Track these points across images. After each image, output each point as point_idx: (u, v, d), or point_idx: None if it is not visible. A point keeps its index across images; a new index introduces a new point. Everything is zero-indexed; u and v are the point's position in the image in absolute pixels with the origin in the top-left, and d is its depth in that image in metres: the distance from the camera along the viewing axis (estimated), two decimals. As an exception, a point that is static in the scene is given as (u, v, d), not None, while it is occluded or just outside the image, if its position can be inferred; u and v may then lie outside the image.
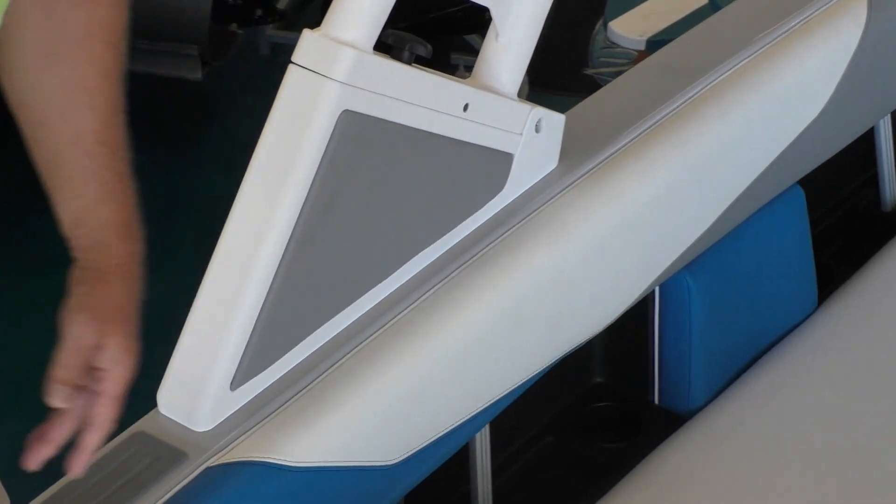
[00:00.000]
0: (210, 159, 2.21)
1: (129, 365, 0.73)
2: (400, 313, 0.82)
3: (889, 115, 1.42)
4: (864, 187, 1.51)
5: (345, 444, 0.78)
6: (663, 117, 1.02)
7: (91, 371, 0.72)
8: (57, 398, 0.71)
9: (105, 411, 0.73)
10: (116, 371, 0.72)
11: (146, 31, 1.94)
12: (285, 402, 0.76)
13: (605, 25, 1.65)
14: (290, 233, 0.71)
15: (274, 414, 0.74)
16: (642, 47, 1.51)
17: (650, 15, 1.62)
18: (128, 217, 0.75)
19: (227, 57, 2.12)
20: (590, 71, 1.70)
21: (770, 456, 1.07)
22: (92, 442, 0.71)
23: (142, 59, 1.88)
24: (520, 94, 1.00)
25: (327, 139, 0.70)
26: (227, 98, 2.40)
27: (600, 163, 0.97)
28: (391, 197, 0.82)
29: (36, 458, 0.70)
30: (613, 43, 1.61)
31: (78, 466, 0.70)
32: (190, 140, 2.24)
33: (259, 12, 2.10)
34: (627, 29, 1.61)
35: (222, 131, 2.29)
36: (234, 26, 2.11)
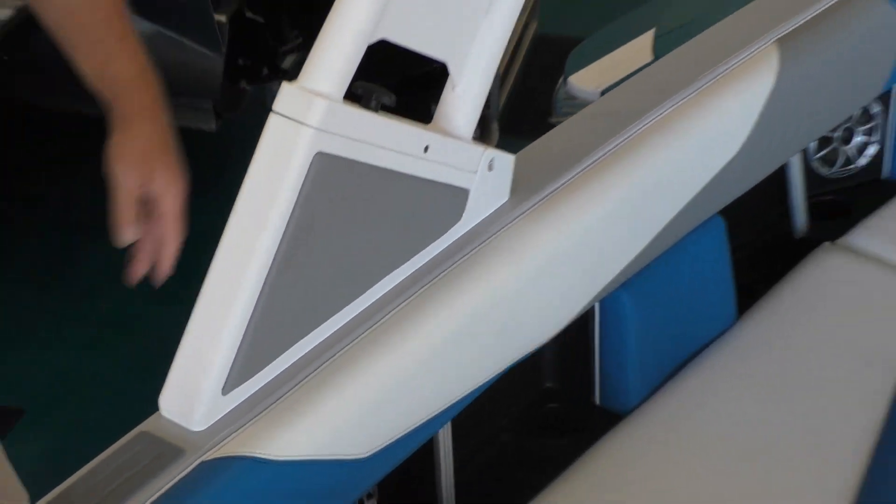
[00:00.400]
0: (225, 200, 2.42)
1: (181, 184, 0.82)
2: (371, 327, 0.89)
3: (799, 153, 1.56)
4: (780, 216, 1.63)
5: (322, 440, 0.84)
6: (602, 156, 1.11)
7: (149, 205, 0.81)
8: (127, 235, 0.80)
9: (172, 228, 0.82)
10: (170, 193, 0.81)
11: (167, 87, 2.13)
12: (270, 405, 0.82)
13: (565, 80, 1.76)
14: (272, 257, 0.77)
15: (260, 415, 0.80)
16: (597, 98, 1.58)
17: (604, 70, 1.72)
18: (142, 67, 0.83)
19: (238, 110, 2.27)
20: (553, 119, 1.77)
21: (693, 448, 1.20)
22: (168, 256, 0.83)
23: (163, 112, 2.08)
24: (489, 140, 1.13)
25: (303, 177, 0.77)
26: (239, 146, 2.59)
27: (546, 196, 1.06)
28: (361, 227, 0.88)
29: (134, 275, 0.82)
30: (573, 95, 1.70)
31: (162, 275, 0.82)
32: (206, 183, 2.42)
33: (266, 71, 2.24)
34: (584, 82, 1.72)
35: (234, 175, 2.51)
36: (243, 83, 2.24)
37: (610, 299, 1.23)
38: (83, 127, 1.80)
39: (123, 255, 0.86)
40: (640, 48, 1.77)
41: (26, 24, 1.86)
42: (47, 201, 2.47)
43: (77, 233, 2.26)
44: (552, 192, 1.08)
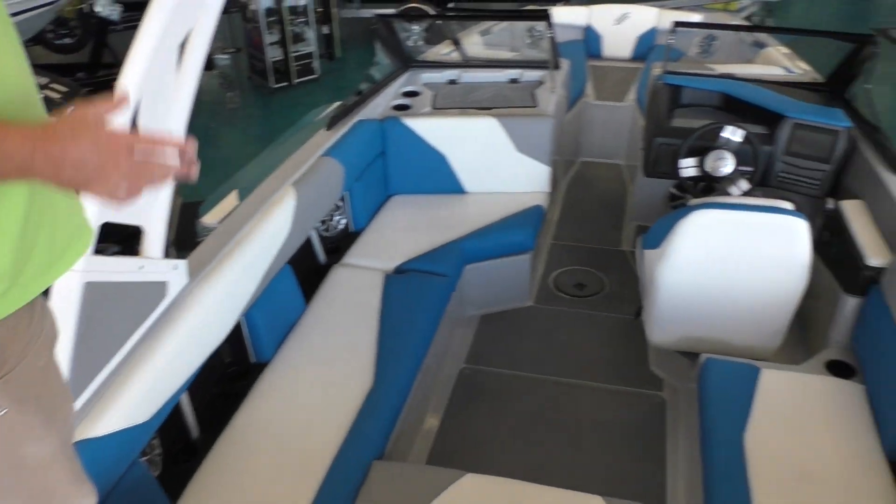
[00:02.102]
0: None
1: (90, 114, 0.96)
2: (130, 356, 1.92)
3: (314, 229, 3.39)
4: (311, 256, 3.40)
5: (121, 419, 1.80)
6: (224, 253, 2.37)
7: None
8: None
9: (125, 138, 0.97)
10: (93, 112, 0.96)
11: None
12: (88, 408, 1.76)
13: (198, 220, 2.77)
14: (75, 332, 1.68)
15: (87, 413, 1.75)
16: (218, 226, 2.62)
17: (224, 207, 2.74)
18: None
19: None
20: (199, 239, 2.71)
21: (292, 375, 2.53)
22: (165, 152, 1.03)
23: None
24: (171, 252, 2.06)
25: (81, 292, 1.67)
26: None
27: (204, 274, 2.22)
28: (117, 310, 1.85)
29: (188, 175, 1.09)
30: (206, 226, 2.65)
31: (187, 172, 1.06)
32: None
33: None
34: (212, 218, 2.67)
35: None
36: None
37: (248, 314, 2.54)
38: None
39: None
40: (241, 183, 3.04)
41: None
42: None
43: None
44: (207, 271, 2.25)
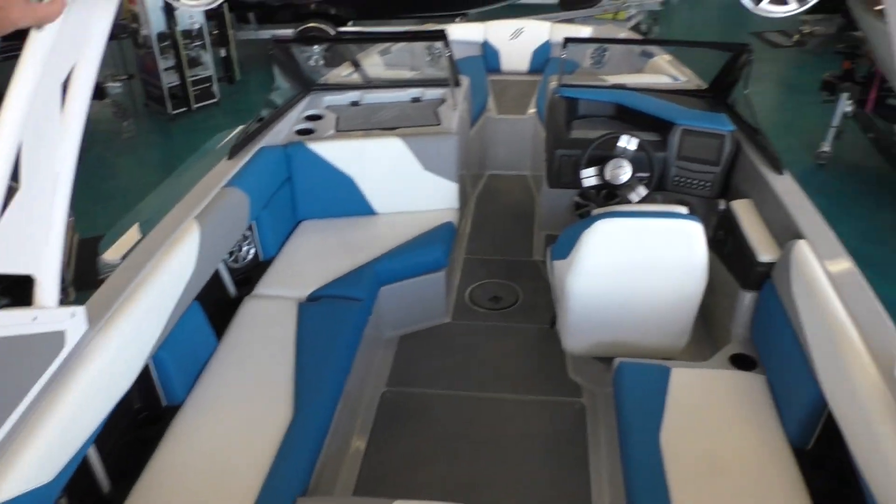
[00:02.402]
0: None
1: None
2: (35, 408, 1.83)
3: (223, 261, 3.25)
4: (222, 288, 3.29)
5: (20, 482, 1.69)
6: (123, 300, 2.29)
7: None
8: None
9: None
10: None
11: None
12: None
13: (100, 256, 2.83)
14: None
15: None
16: (119, 263, 2.56)
17: (123, 243, 2.78)
18: None
19: None
20: (101, 277, 2.71)
21: (205, 407, 2.50)
22: None
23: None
24: (69, 298, 2.27)
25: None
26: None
27: (104, 322, 2.15)
28: (10, 367, 1.74)
29: None
30: (108, 263, 2.75)
31: None
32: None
33: None
34: (112, 255, 2.76)
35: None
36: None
37: (156, 356, 2.46)
38: None
39: None
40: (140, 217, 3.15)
41: None
42: None
43: None
44: (108, 316, 2.17)
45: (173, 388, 2.49)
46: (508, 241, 4.38)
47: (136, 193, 5.99)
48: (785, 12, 1.78)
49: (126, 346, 2.15)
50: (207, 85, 7.85)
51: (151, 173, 6.36)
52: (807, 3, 1.79)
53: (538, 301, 3.78)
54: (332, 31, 8.73)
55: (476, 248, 4.32)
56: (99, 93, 7.26)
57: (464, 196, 4.35)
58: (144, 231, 2.66)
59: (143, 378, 2.40)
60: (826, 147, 6.22)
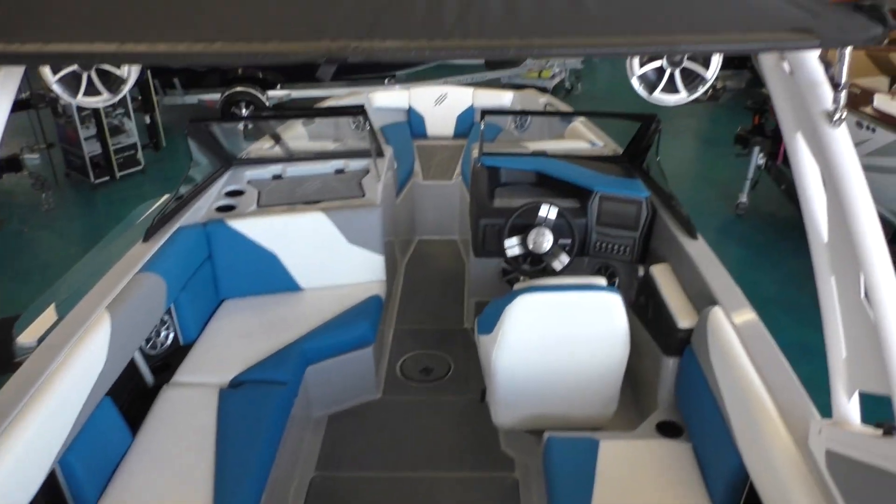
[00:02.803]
0: None
1: None
2: None
3: (138, 350, 3.16)
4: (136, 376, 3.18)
5: None
6: (36, 389, 2.23)
7: None
8: None
9: None
10: None
11: None
12: None
13: (15, 340, 2.88)
14: None
15: None
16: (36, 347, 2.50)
17: (40, 324, 2.89)
18: None
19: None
20: (17, 360, 2.85)
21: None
22: None
23: None
24: None
25: None
26: None
27: (5, 427, 2.05)
28: None
29: None
30: (25, 346, 2.80)
31: None
32: None
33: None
34: (27, 338, 2.82)
35: None
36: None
37: (63, 459, 2.33)
38: None
39: None
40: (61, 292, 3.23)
41: None
42: None
43: None
44: (10, 420, 2.08)
45: (82, 494, 2.34)
46: (439, 309, 4.36)
47: (57, 269, 5.79)
48: (675, 101, 1.90)
49: (28, 452, 2.03)
50: (132, 152, 7.70)
51: (73, 247, 6.15)
52: (695, 92, 1.91)
53: (470, 370, 3.75)
54: (259, 95, 8.71)
55: (406, 318, 4.29)
56: (16, 164, 7.03)
57: (393, 263, 4.33)
58: (61, 312, 2.55)
59: (50, 483, 2.26)
60: (743, 198, 6.49)
